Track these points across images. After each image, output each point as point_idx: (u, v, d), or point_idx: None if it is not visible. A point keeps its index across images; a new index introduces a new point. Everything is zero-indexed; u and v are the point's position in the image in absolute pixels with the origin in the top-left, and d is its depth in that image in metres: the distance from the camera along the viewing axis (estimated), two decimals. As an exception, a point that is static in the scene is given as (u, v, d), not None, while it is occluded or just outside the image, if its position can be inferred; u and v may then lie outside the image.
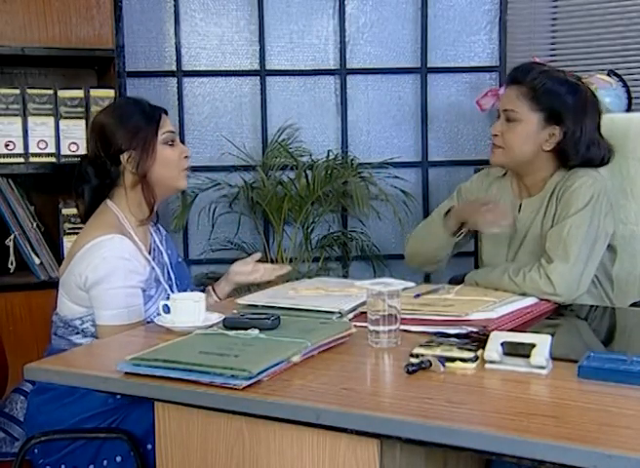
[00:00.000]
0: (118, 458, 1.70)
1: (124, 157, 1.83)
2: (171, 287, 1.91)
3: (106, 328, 1.72)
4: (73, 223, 2.63)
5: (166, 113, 1.93)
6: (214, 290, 2.05)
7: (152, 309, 1.79)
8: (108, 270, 1.73)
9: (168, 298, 1.81)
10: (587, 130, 1.90)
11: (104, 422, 1.73)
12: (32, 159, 2.60)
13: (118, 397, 1.72)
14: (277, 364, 1.29)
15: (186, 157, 1.91)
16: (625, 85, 2.76)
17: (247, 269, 2.04)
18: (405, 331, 1.52)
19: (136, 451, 1.64)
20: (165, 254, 1.95)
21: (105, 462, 1.70)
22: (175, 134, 1.91)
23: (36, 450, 1.73)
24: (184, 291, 1.89)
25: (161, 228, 2.03)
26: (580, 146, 1.89)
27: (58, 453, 1.72)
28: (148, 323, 1.77)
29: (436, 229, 2.02)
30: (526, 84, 1.91)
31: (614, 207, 1.93)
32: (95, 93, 2.64)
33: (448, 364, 1.31)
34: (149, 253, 1.88)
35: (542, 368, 1.28)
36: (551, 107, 1.89)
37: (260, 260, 2.08)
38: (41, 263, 2.59)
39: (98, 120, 1.90)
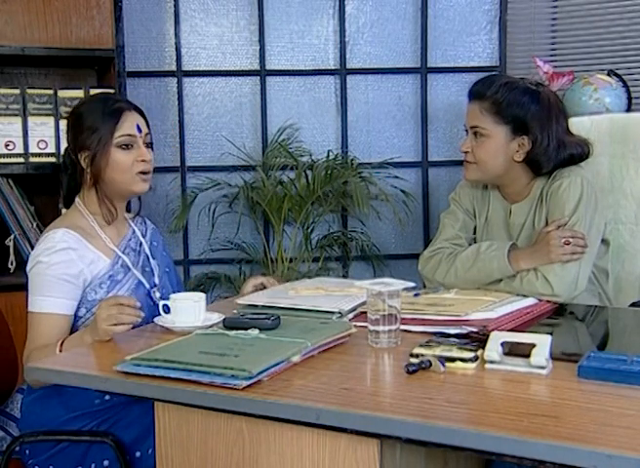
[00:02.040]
0: (105, 462, 1.70)
1: (82, 156, 1.84)
2: (152, 272, 1.92)
3: (29, 316, 1.73)
4: (73, 223, 2.63)
5: (141, 113, 1.89)
6: None
7: (119, 294, 1.80)
8: (41, 258, 1.74)
9: (139, 284, 1.85)
10: (554, 135, 1.90)
11: (92, 423, 1.73)
12: (32, 159, 2.61)
13: (106, 398, 1.73)
14: (277, 364, 1.29)
15: (143, 161, 1.84)
16: (625, 85, 2.76)
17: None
18: (405, 331, 1.52)
19: (120, 457, 1.64)
20: (146, 245, 1.96)
21: (93, 465, 1.70)
22: (133, 137, 1.83)
23: (27, 451, 1.74)
24: (169, 283, 1.94)
25: (147, 221, 2.06)
26: (550, 153, 1.89)
27: (46, 453, 1.73)
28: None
29: (498, 273, 1.86)
30: (488, 98, 1.91)
31: (600, 200, 1.92)
32: (95, 93, 2.63)
33: (448, 364, 1.31)
34: (118, 245, 1.88)
35: (542, 368, 1.28)
36: (516, 119, 1.89)
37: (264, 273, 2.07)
38: (41, 263, 2.59)
39: (67, 117, 1.93)
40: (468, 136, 1.96)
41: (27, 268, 1.77)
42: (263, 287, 2.02)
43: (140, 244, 1.95)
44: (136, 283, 1.85)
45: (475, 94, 1.95)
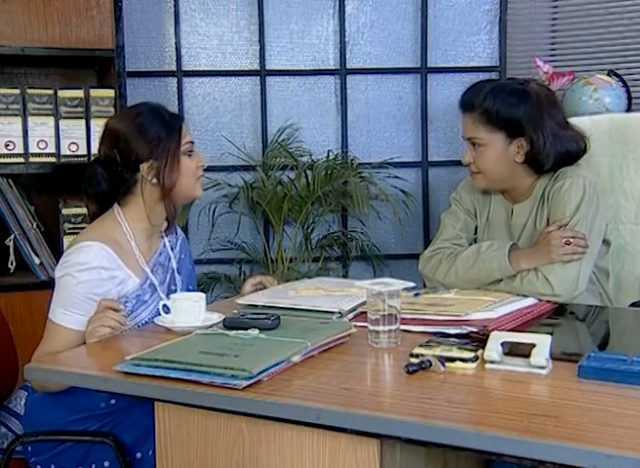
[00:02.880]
0: (106, 463, 1.71)
1: (144, 167, 1.80)
2: (175, 291, 1.90)
3: (49, 322, 1.72)
4: (73, 223, 2.63)
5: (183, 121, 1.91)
6: None
7: (144, 314, 1.79)
8: (72, 271, 1.71)
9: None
10: (550, 131, 1.89)
11: (95, 425, 1.73)
12: (32, 159, 2.60)
13: (112, 402, 1.73)
14: (277, 364, 1.29)
15: (201, 165, 1.91)
16: (625, 85, 2.76)
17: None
18: (405, 331, 1.52)
19: (120, 458, 1.64)
20: (174, 260, 1.94)
21: (94, 466, 1.71)
22: (192, 143, 1.89)
23: (30, 448, 1.74)
24: None
25: (178, 230, 2.03)
26: (549, 149, 1.89)
27: (48, 453, 1.73)
28: (140, 326, 1.77)
29: (499, 273, 1.85)
30: (477, 108, 1.91)
31: (601, 200, 1.92)
32: (95, 93, 2.64)
33: (448, 364, 1.31)
34: (149, 262, 1.86)
35: (542, 368, 1.28)
36: (509, 123, 1.89)
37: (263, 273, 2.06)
38: (41, 263, 2.59)
39: (114, 126, 1.83)
40: (468, 146, 1.96)
41: (56, 274, 1.74)
42: (263, 286, 2.02)
43: (169, 259, 1.93)
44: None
45: (464, 105, 1.95)
